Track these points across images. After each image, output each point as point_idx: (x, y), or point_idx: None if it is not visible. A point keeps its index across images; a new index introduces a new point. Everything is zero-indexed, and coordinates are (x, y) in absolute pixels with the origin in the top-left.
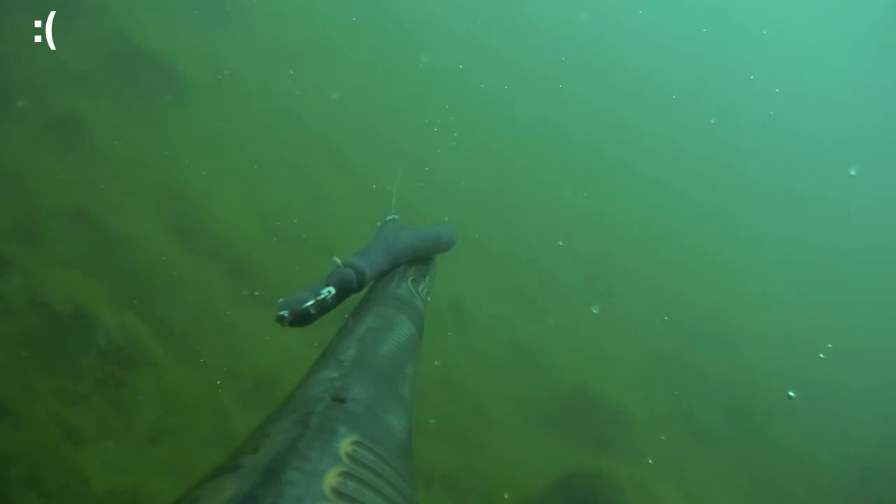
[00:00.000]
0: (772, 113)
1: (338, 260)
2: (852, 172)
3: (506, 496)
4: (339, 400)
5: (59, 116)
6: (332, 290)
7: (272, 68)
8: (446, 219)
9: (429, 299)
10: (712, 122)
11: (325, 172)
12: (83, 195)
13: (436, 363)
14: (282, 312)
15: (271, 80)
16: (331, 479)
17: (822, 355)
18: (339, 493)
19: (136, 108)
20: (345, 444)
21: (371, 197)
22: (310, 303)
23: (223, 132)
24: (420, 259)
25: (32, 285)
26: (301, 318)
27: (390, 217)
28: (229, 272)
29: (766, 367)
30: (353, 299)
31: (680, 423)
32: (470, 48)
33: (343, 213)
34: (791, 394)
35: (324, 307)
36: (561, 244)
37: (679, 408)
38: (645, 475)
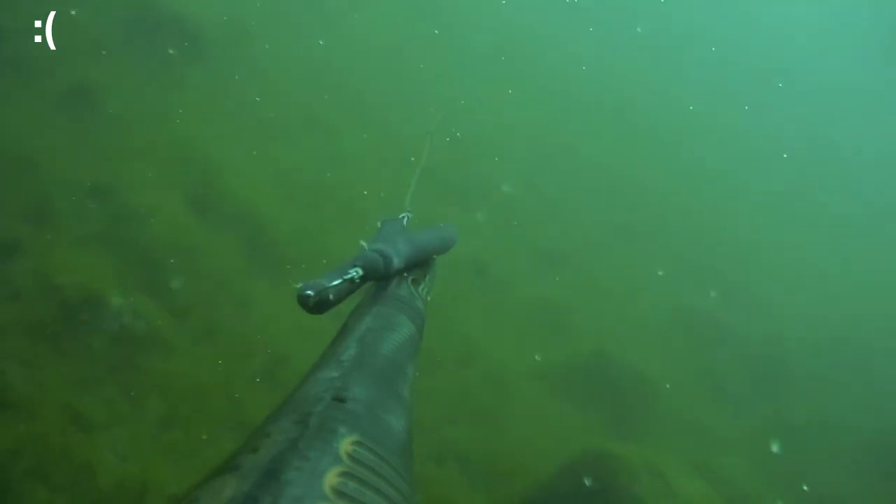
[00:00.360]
0: None
1: (364, 244)
2: None
3: (518, 477)
4: (339, 400)
5: (71, 86)
6: (360, 271)
7: (294, 25)
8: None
9: (429, 299)
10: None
11: (350, 132)
12: (96, 169)
13: (457, 328)
14: (307, 292)
15: (293, 37)
16: (331, 478)
17: (850, 315)
18: (339, 493)
19: (149, 74)
20: (345, 444)
21: (397, 161)
22: (336, 282)
23: (242, 97)
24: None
25: (43, 269)
26: (324, 302)
27: (403, 215)
28: (246, 244)
29: (797, 330)
30: (354, 298)
31: (704, 389)
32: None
33: (369, 176)
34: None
35: (344, 292)
36: (589, 204)
37: (703, 374)
38: (662, 459)
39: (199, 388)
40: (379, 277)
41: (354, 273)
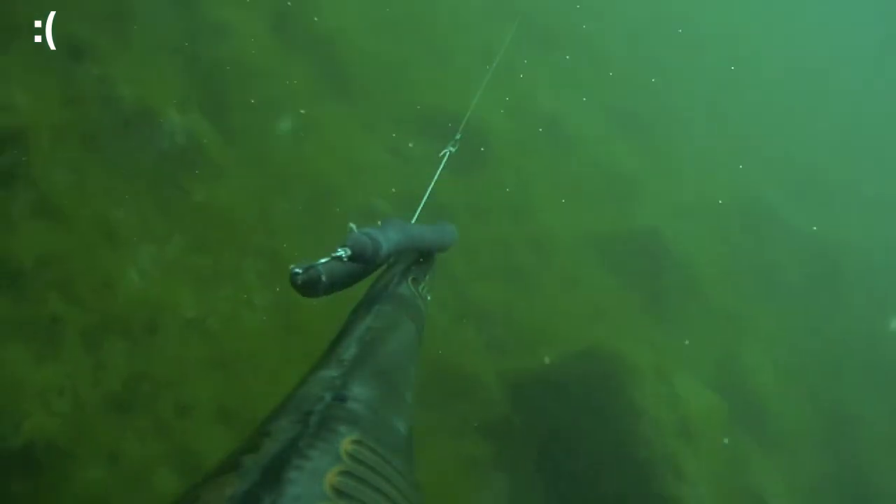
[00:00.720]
0: None
1: (353, 226)
2: None
3: (533, 349)
4: (340, 399)
5: None
6: (348, 251)
7: None
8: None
9: (429, 298)
10: None
11: None
12: None
13: (507, 190)
14: (296, 269)
15: None
16: (331, 477)
17: None
18: (339, 492)
19: None
20: (345, 443)
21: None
22: (322, 260)
23: None
24: (423, 257)
25: (108, 76)
26: (314, 281)
27: (446, 150)
28: (320, 70)
29: (856, 227)
30: (354, 297)
31: (750, 284)
32: None
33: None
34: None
35: (339, 275)
36: (684, 74)
37: (754, 269)
38: (675, 366)
39: (237, 216)
40: (367, 260)
41: (343, 252)
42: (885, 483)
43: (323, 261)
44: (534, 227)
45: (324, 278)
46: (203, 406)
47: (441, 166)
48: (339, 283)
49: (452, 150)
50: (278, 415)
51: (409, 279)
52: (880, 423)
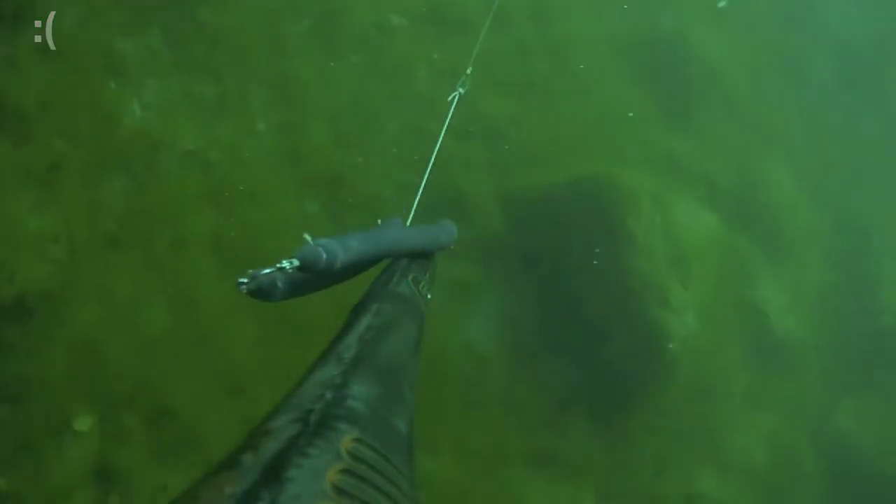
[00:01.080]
0: None
1: (308, 237)
2: None
3: (540, 168)
4: (340, 397)
5: None
6: (295, 262)
7: None
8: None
9: (429, 297)
10: None
11: None
12: None
13: None
14: (240, 280)
15: None
16: (331, 476)
17: None
18: (339, 491)
19: None
20: (345, 442)
21: None
22: (266, 270)
23: None
24: (421, 256)
25: None
26: (266, 290)
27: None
28: None
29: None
30: (354, 295)
31: (777, 84)
32: None
33: None
34: None
35: (295, 285)
36: None
37: (781, 70)
38: (676, 192)
39: (245, 40)
40: (318, 273)
41: (287, 264)
42: (893, 298)
43: (266, 271)
44: (555, 31)
45: (280, 284)
46: (197, 240)
47: (451, 110)
48: (301, 287)
49: (462, 91)
50: (278, 413)
51: (410, 278)
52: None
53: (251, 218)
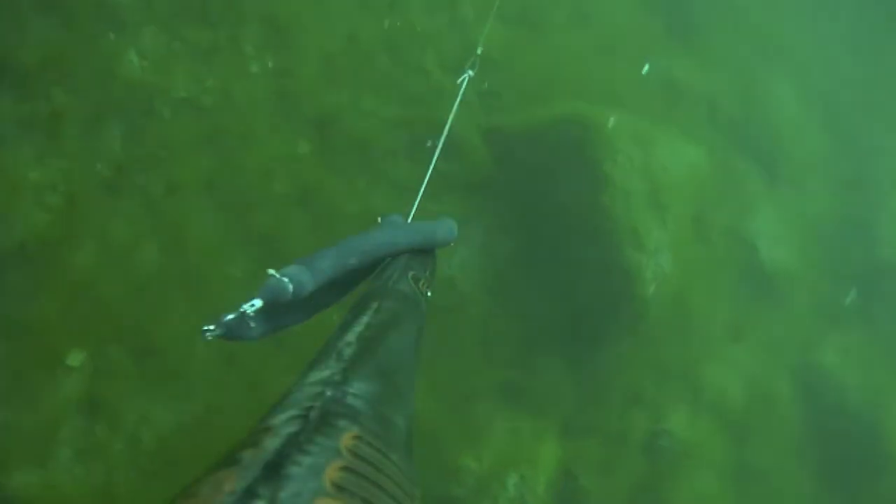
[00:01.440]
0: None
1: (272, 272)
2: None
3: (524, 105)
4: (340, 394)
5: None
6: (257, 303)
7: None
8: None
9: (429, 294)
10: None
11: None
12: None
13: None
14: (205, 329)
15: None
16: (331, 473)
17: None
18: (339, 488)
19: None
20: (345, 439)
21: None
22: (229, 316)
23: None
24: (421, 253)
25: None
26: (235, 334)
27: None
28: None
29: None
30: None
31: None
32: None
33: None
34: None
35: (275, 319)
36: None
37: None
38: (661, 127)
39: None
40: (288, 304)
41: (248, 307)
42: (892, 230)
43: (229, 316)
44: None
45: (253, 324)
46: (191, 184)
47: (461, 92)
48: (295, 316)
49: (471, 73)
50: (278, 410)
51: (410, 275)
52: None
53: (242, 160)
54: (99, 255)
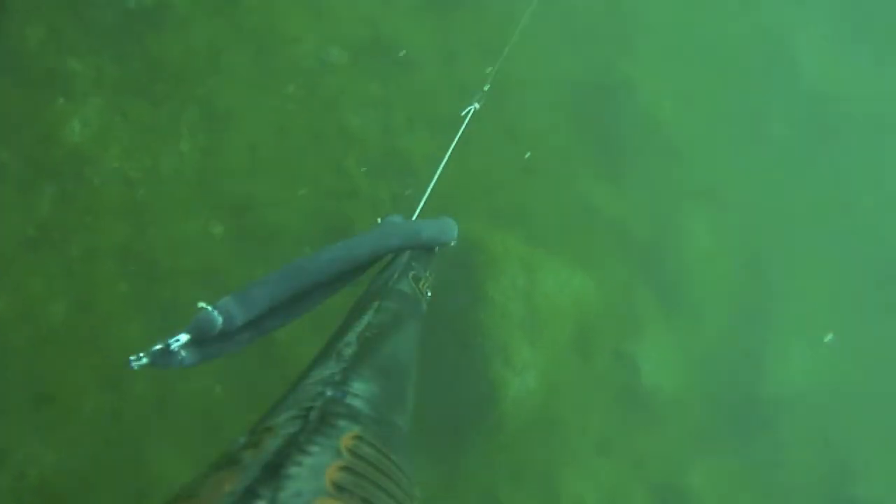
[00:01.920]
0: None
1: (203, 305)
2: None
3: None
4: (340, 395)
5: None
6: (182, 338)
7: None
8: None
9: (429, 294)
10: None
11: None
12: None
13: None
14: (131, 357)
15: None
16: (331, 473)
17: None
18: (339, 488)
19: None
20: (345, 439)
21: None
22: (156, 348)
23: None
24: (423, 252)
25: None
26: (163, 364)
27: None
28: None
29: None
30: (352, 293)
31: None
32: None
33: None
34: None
35: (208, 348)
36: None
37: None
38: (549, 252)
39: (188, 67)
40: (217, 337)
41: (173, 342)
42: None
43: (156, 348)
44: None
45: (184, 353)
46: (107, 250)
47: (464, 124)
48: (231, 344)
49: (477, 105)
50: (278, 410)
51: (410, 275)
52: None
53: (158, 234)
54: (11, 305)
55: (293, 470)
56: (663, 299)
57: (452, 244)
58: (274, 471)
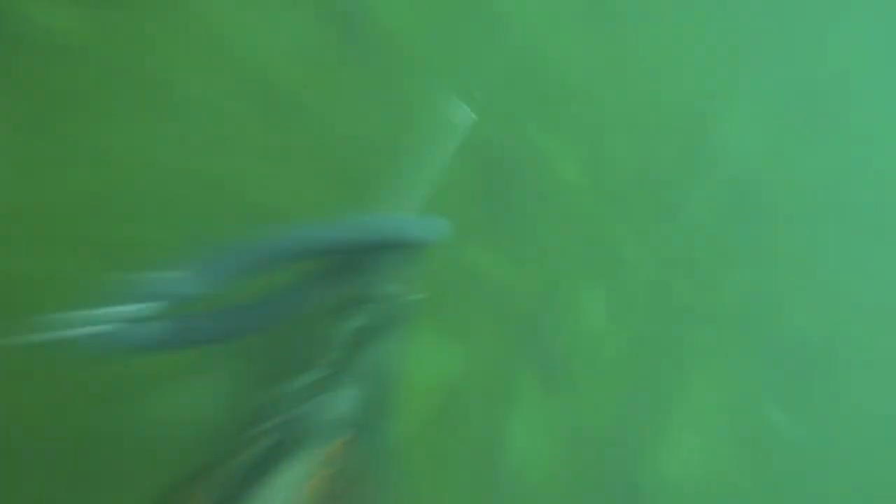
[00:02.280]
0: None
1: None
2: None
3: None
4: (324, 401)
5: None
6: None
7: None
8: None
9: (410, 298)
10: None
11: None
12: None
13: None
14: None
15: None
16: (317, 480)
17: None
18: (325, 495)
19: None
20: (331, 445)
21: None
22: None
23: None
24: (406, 252)
25: None
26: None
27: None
28: None
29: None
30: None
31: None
32: None
33: None
34: None
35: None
36: None
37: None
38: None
39: (81, 106)
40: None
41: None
42: (655, 457)
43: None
44: None
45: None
46: None
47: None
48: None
49: (474, 117)
50: (262, 417)
51: (391, 279)
52: None
53: (16, 268)
54: None
55: (278, 477)
56: (543, 378)
57: (434, 244)
58: (256, 480)
